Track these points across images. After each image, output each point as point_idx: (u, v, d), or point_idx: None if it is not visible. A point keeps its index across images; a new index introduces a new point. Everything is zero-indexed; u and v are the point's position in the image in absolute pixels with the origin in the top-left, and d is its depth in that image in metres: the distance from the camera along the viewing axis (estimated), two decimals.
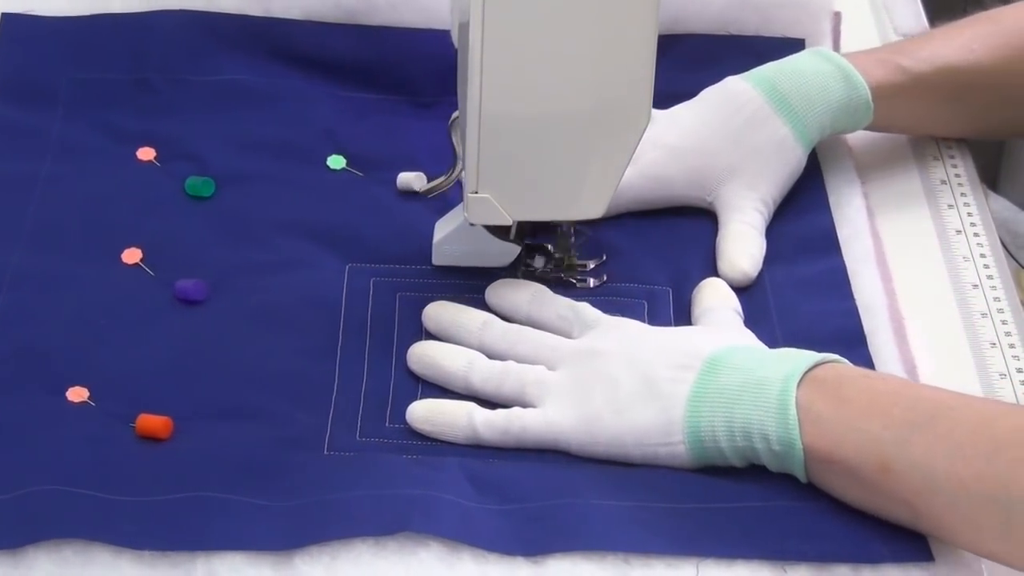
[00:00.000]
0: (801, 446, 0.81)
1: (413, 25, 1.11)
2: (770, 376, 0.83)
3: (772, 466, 0.83)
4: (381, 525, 0.80)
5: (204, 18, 1.11)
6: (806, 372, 0.83)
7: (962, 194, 1.07)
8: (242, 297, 0.96)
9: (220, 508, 0.81)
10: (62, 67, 1.10)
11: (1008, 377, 0.94)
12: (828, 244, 0.99)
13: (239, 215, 1.01)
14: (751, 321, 0.93)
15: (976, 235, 1.04)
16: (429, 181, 1.02)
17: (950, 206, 1.06)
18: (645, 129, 0.91)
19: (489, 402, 0.89)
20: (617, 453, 0.86)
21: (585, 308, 0.92)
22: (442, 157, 1.04)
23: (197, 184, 1.03)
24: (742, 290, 0.96)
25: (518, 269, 0.98)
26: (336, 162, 1.06)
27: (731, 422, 0.83)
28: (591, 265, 0.99)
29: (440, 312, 0.94)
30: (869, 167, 1.07)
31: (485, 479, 0.84)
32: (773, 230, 1.00)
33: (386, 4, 1.11)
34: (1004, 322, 0.97)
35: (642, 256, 0.99)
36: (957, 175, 1.08)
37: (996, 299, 0.99)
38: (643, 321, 0.94)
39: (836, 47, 1.11)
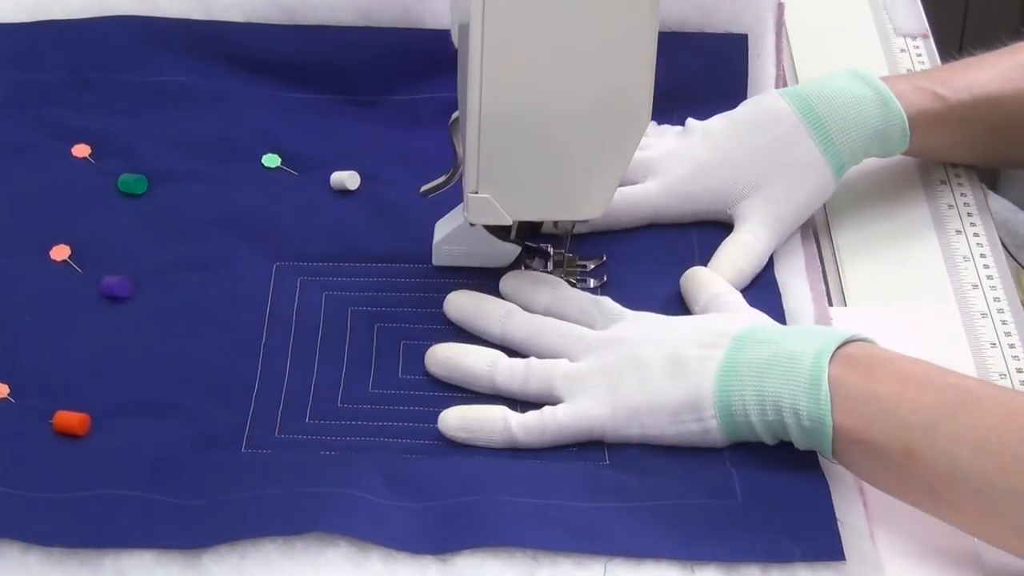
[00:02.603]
0: (831, 423, 0.81)
1: (352, 24, 1.11)
2: (801, 350, 0.83)
3: (799, 442, 0.83)
4: (290, 524, 0.80)
5: (146, 23, 1.12)
6: (837, 349, 0.82)
7: (962, 194, 1.07)
8: (167, 294, 0.96)
9: (131, 506, 0.82)
10: (2, 69, 1.11)
11: (1008, 377, 0.94)
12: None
13: (170, 212, 1.02)
14: None
15: (976, 235, 1.04)
16: (363, 179, 1.03)
17: (950, 206, 1.06)
18: (645, 129, 0.91)
19: (512, 401, 0.89)
20: (653, 435, 0.86)
21: (607, 302, 0.92)
22: (378, 156, 1.05)
23: (130, 181, 1.03)
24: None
25: (518, 269, 0.98)
26: (271, 160, 1.06)
27: (762, 395, 0.82)
28: (591, 265, 0.99)
29: (462, 300, 0.94)
30: (869, 168, 1.07)
31: (401, 476, 0.84)
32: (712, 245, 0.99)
33: (324, 4, 1.11)
34: (1004, 322, 0.97)
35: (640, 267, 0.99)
36: (957, 175, 1.08)
37: (996, 299, 0.99)
38: None
39: (779, 40, 1.10)
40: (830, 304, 0.98)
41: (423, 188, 0.98)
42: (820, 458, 0.84)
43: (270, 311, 0.95)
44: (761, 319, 0.89)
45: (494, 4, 0.85)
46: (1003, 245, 1.04)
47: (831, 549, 0.80)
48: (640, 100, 0.90)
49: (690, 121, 1.02)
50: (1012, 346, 0.96)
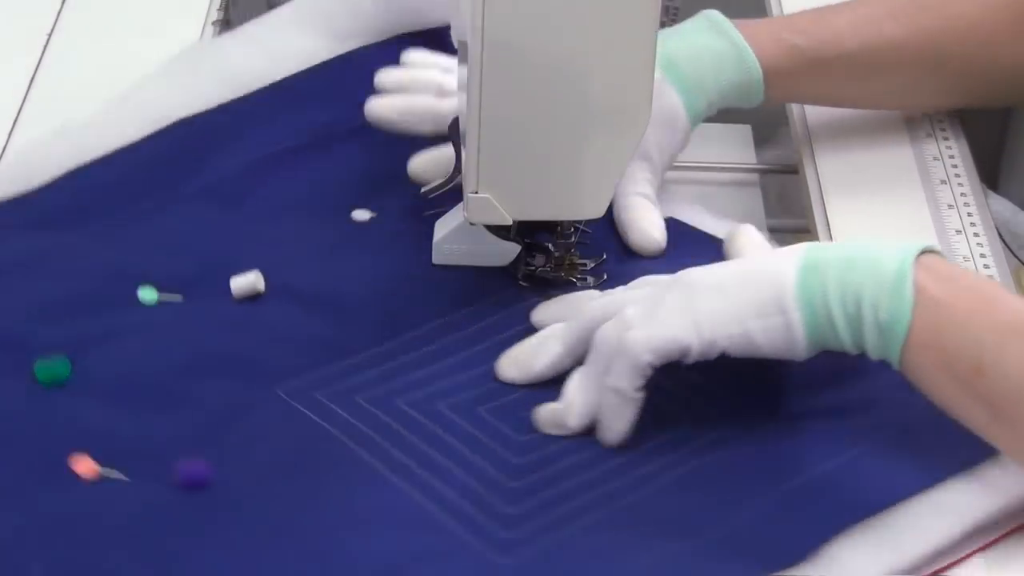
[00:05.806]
0: (908, 322, 0.80)
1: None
2: (880, 254, 0.82)
3: (872, 343, 0.82)
4: None
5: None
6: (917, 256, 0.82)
7: (962, 194, 1.07)
8: None
9: None
10: None
11: None
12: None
13: None
14: None
15: (976, 235, 1.04)
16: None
17: (950, 206, 1.06)
18: (645, 129, 0.91)
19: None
20: (739, 343, 0.83)
21: (618, 289, 0.91)
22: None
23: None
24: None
25: (518, 269, 0.98)
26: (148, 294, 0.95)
27: (844, 286, 0.82)
28: (591, 264, 0.99)
29: (548, 306, 0.94)
30: (869, 167, 1.07)
31: None
32: None
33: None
34: None
35: None
36: (957, 175, 1.08)
37: None
38: None
39: None
40: None
41: (424, 188, 0.98)
42: None
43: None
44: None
45: (494, 6, 0.85)
46: (1003, 245, 1.04)
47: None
48: (640, 100, 0.90)
49: None
50: None
